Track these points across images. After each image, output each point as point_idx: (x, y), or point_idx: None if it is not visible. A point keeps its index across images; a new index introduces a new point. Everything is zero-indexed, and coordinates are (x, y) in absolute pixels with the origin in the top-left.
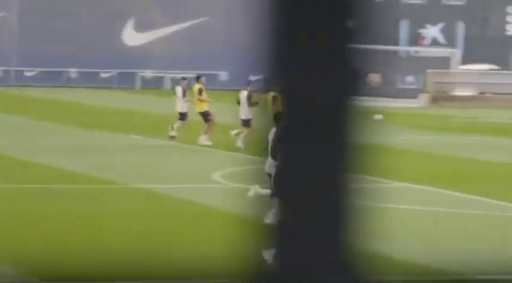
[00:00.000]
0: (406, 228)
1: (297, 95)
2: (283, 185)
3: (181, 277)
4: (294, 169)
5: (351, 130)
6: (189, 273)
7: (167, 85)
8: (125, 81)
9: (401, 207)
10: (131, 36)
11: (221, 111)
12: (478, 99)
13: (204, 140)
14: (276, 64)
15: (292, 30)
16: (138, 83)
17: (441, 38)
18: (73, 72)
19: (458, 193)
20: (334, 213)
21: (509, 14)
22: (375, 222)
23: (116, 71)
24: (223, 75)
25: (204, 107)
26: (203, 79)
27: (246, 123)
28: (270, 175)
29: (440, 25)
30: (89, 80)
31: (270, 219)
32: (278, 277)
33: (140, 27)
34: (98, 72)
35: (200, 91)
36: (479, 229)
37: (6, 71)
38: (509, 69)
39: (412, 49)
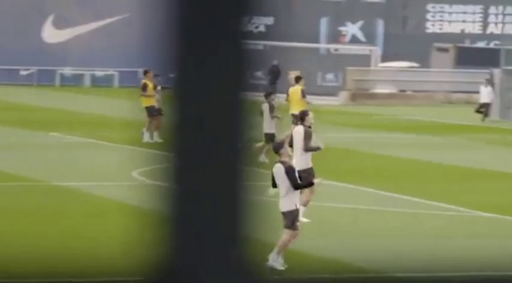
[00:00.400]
0: (330, 226)
1: (196, 91)
2: (180, 181)
3: (67, 275)
4: (193, 165)
5: (248, 126)
6: (74, 271)
7: (87, 82)
8: (44, 79)
9: (325, 205)
10: (51, 33)
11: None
12: (398, 97)
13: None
14: (178, 61)
15: (194, 26)
16: (57, 81)
17: (361, 36)
18: None
19: (380, 191)
20: (233, 210)
21: (428, 11)
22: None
23: (35, 68)
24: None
25: (151, 102)
26: (150, 74)
27: (271, 137)
28: None
29: (360, 23)
30: (8, 77)
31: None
32: (175, 276)
33: (60, 24)
34: (18, 70)
35: (144, 86)
36: (396, 226)
37: None
38: (429, 67)
39: (332, 46)
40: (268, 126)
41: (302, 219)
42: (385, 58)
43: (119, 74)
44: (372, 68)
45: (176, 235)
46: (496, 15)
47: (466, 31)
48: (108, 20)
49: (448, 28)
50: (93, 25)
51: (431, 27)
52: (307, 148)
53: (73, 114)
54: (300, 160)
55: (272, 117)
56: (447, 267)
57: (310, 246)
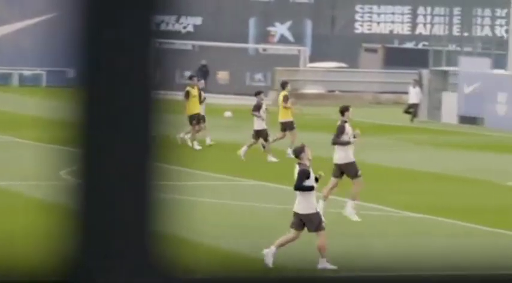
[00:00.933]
0: (255, 224)
1: (105, 89)
2: (88, 180)
3: None
4: (101, 163)
5: (159, 125)
6: None
7: (15, 82)
8: None
9: (250, 204)
10: None
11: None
12: (327, 97)
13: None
14: (85, 60)
15: (103, 24)
16: None
17: (289, 36)
18: None
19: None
20: (143, 207)
21: (357, 12)
22: (206, 218)
23: None
24: (70, 72)
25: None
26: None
27: (258, 134)
28: None
29: (289, 23)
30: None
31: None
32: (79, 276)
33: None
34: None
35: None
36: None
37: None
38: (358, 67)
39: (261, 46)
40: (257, 123)
41: (353, 216)
42: (313, 58)
43: (47, 73)
44: (301, 68)
45: (85, 233)
46: (425, 15)
47: (395, 32)
48: (36, 19)
49: (376, 29)
50: (21, 24)
51: (360, 28)
52: (333, 142)
53: (1, 113)
54: (339, 154)
55: (252, 114)
56: (373, 266)
57: (234, 244)
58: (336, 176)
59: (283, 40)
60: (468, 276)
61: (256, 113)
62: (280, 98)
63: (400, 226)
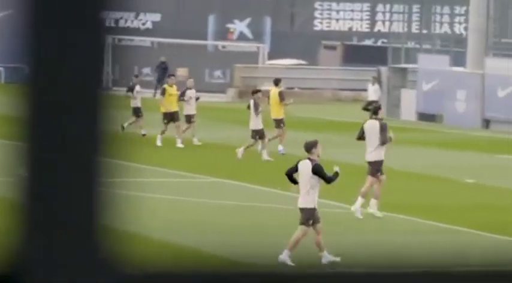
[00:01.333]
0: (210, 222)
1: (54, 86)
2: (34, 177)
3: None
4: (50, 159)
5: (107, 121)
6: None
7: None
8: None
9: (208, 201)
10: None
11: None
12: (286, 94)
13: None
14: (36, 56)
15: (47, 19)
16: None
17: (248, 33)
18: None
19: (266, 188)
20: (89, 203)
21: (316, 9)
22: (161, 215)
23: None
24: (27, 69)
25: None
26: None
27: (257, 133)
28: None
29: (248, 20)
30: None
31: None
32: (26, 271)
33: None
34: None
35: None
36: (282, 222)
37: None
38: (317, 64)
39: (220, 43)
40: (253, 123)
41: (376, 212)
42: (272, 55)
43: (5, 69)
44: (260, 65)
45: (33, 229)
46: (384, 13)
47: (354, 29)
48: None
49: (335, 26)
50: None
51: (319, 25)
52: (384, 141)
53: None
54: (372, 153)
55: (256, 114)
56: (335, 263)
57: (190, 241)
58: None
59: (242, 37)
60: (428, 273)
61: (254, 112)
62: (276, 95)
63: (362, 224)
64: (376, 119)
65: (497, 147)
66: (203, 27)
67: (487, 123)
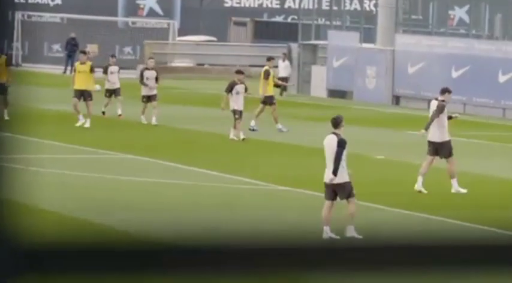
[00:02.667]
0: (124, 198)
1: None
2: None
3: None
4: None
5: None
6: None
7: None
8: None
9: (122, 178)
10: None
11: None
12: (196, 71)
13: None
14: None
15: None
16: None
17: (158, 9)
18: None
19: (177, 165)
20: None
21: None
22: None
23: None
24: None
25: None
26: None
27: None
28: None
29: None
30: None
31: None
32: None
33: None
34: None
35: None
36: (192, 198)
37: None
38: (227, 41)
39: (130, 20)
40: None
41: (461, 189)
42: (182, 32)
43: None
44: (170, 41)
45: None
46: None
47: (264, 5)
48: None
49: (245, 2)
50: None
51: (229, 2)
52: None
53: None
54: (435, 133)
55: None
56: (244, 237)
57: (103, 219)
58: (431, 154)
59: (152, 13)
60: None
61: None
62: (263, 72)
63: (267, 199)
64: (436, 99)
65: (407, 123)
66: (113, 4)
67: (396, 99)
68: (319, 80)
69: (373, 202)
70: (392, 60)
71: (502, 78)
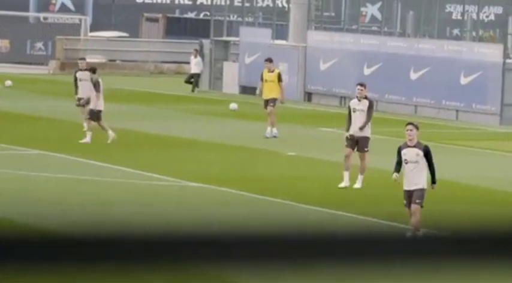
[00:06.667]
0: (41, 194)
1: None
2: None
3: None
4: None
5: None
6: None
7: None
8: None
9: (39, 174)
10: None
11: None
12: (108, 67)
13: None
14: None
15: None
16: None
17: (70, 5)
18: None
19: (92, 161)
20: None
21: None
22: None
23: None
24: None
25: None
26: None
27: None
28: None
29: None
30: None
31: None
32: None
33: None
34: None
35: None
36: (108, 195)
37: None
38: (139, 37)
39: (42, 15)
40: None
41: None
42: (94, 27)
43: None
44: (82, 37)
45: None
46: None
47: (176, 1)
48: None
49: None
50: None
51: None
52: None
53: None
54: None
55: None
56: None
57: (20, 214)
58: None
59: (64, 9)
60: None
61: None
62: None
63: (179, 195)
64: None
65: (318, 119)
66: None
67: (309, 96)
68: (231, 76)
69: (277, 197)
70: (305, 56)
71: (413, 76)
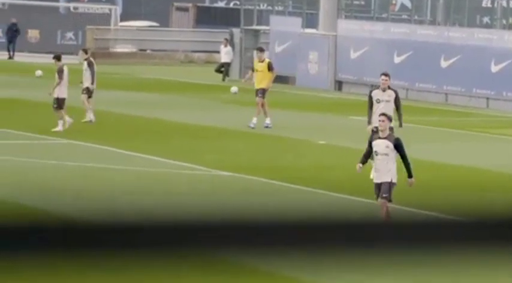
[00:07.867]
0: (74, 184)
1: None
2: None
3: None
4: None
5: None
6: None
7: None
8: None
9: (67, 163)
10: None
11: None
12: (138, 56)
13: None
14: None
15: None
16: None
17: None
18: None
19: (123, 151)
20: None
21: None
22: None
23: None
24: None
25: None
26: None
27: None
28: None
29: None
30: None
31: None
32: None
33: None
34: None
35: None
36: (140, 184)
37: None
38: (169, 26)
39: (72, 5)
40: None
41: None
42: (124, 17)
43: None
44: (112, 27)
45: None
46: None
47: None
48: None
49: None
50: None
51: None
52: None
53: None
54: None
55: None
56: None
57: (45, 202)
58: None
59: None
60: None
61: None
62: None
63: (209, 184)
64: None
65: (349, 108)
66: None
67: (339, 84)
68: None
69: (314, 188)
70: (335, 45)
71: (444, 64)
